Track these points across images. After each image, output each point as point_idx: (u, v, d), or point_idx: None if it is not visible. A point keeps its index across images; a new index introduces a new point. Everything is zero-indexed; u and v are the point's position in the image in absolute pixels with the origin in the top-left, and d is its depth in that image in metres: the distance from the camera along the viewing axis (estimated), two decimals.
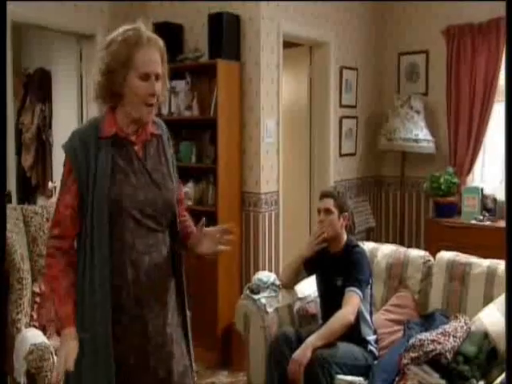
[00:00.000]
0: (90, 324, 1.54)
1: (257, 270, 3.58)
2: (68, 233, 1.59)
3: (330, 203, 2.53)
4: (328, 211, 2.53)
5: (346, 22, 4.44)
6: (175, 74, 3.77)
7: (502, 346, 2.18)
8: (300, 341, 2.38)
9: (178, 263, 1.72)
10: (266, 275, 2.81)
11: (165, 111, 3.82)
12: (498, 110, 4.29)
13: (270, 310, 2.63)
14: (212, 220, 3.56)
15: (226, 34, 3.47)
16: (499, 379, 1.96)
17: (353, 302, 2.38)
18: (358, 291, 2.40)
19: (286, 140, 3.99)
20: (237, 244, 3.66)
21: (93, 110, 3.89)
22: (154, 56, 1.58)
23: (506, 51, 1.75)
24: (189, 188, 3.67)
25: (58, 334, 1.57)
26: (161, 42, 1.63)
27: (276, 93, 3.72)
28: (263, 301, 2.64)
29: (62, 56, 4.35)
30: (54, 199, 4.23)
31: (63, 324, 1.55)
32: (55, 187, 4.40)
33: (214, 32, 3.49)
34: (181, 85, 3.68)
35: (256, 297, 2.66)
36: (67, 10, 3.65)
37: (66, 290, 1.55)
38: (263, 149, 3.64)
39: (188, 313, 1.79)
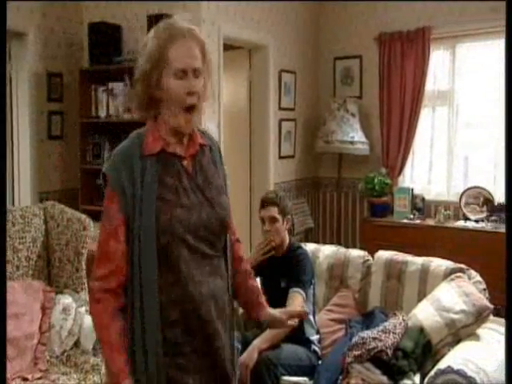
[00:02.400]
0: (142, 367, 1.37)
1: None
2: (119, 268, 1.38)
3: (274, 211, 2.52)
4: (273, 219, 2.52)
5: (284, 26, 4.52)
6: (113, 76, 3.69)
7: (435, 339, 2.32)
8: (246, 344, 2.40)
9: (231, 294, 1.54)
10: None
11: (102, 114, 3.71)
12: (425, 115, 4.54)
13: None
14: None
15: None
16: (433, 371, 2.07)
17: (296, 302, 2.43)
18: (301, 292, 2.45)
19: (226, 142, 3.99)
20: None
21: (24, 112, 3.71)
22: (190, 49, 1.40)
23: (506, 50, 1.84)
24: None
25: None
26: (199, 34, 1.45)
27: (216, 95, 3.72)
28: None
29: None
30: None
31: (117, 379, 1.35)
32: None
33: None
34: (119, 87, 3.59)
35: None
36: None
37: (116, 339, 1.36)
38: None
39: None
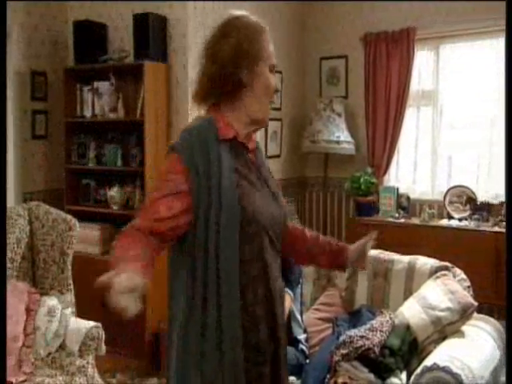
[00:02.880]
0: (216, 371, 1.27)
1: None
2: (161, 224, 1.25)
3: None
4: None
5: (269, 26, 4.51)
6: (99, 75, 3.66)
7: (421, 336, 2.34)
8: None
9: None
10: None
11: (88, 114, 3.68)
12: (410, 114, 4.58)
13: None
14: None
15: (153, 35, 3.41)
16: (420, 368, 2.09)
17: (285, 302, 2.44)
18: (289, 291, 2.46)
19: None
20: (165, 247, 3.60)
21: (7, 111, 3.65)
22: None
23: (506, 50, 1.86)
24: (114, 192, 3.56)
25: None
26: None
27: None
28: None
29: None
30: None
31: (117, 265, 1.14)
32: None
33: (139, 32, 3.41)
34: (104, 86, 3.56)
35: None
36: None
37: (132, 257, 1.19)
38: None
39: None
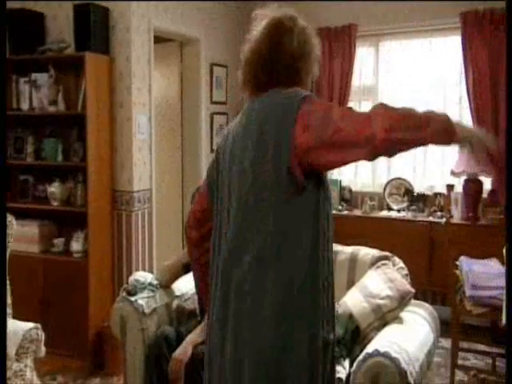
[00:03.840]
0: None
1: (130, 270, 3.50)
2: None
3: None
4: None
5: (215, 20, 4.50)
6: (36, 67, 3.52)
7: (363, 324, 2.43)
8: (180, 339, 2.39)
9: None
10: (142, 275, 2.76)
11: (25, 107, 3.53)
12: None
13: (147, 310, 2.59)
14: (82, 221, 3.40)
15: (94, 27, 3.31)
16: (362, 355, 2.17)
17: None
18: None
19: (157, 136, 3.94)
20: (108, 245, 3.54)
21: None
22: None
23: (507, 50, 1.91)
24: (55, 188, 3.44)
25: None
26: None
27: (147, 88, 3.65)
28: (141, 302, 2.59)
29: None
30: None
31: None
32: None
33: (80, 23, 3.30)
34: (43, 78, 3.43)
35: (133, 298, 2.60)
36: None
37: None
38: (135, 145, 3.56)
39: None
